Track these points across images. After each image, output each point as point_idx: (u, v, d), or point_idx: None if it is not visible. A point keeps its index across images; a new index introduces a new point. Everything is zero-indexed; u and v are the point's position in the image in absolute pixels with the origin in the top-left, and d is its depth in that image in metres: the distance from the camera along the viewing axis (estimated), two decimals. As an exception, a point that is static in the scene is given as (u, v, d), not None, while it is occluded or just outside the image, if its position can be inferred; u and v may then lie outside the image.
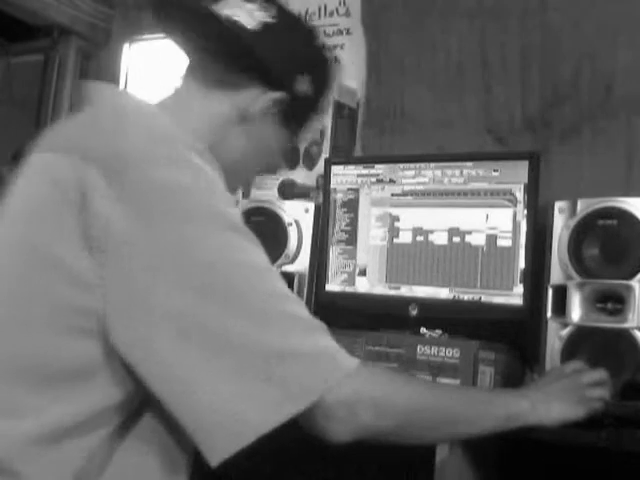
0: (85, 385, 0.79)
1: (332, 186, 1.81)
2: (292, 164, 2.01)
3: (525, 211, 1.58)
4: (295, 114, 1.04)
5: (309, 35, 1.05)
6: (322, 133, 1.98)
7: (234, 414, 0.76)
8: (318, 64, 1.05)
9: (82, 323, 0.78)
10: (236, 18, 0.95)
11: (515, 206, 1.59)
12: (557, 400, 1.02)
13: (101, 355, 0.78)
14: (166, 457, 0.83)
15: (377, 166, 1.77)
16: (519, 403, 1.00)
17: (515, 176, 1.59)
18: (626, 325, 1.37)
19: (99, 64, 2.53)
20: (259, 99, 0.99)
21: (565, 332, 1.43)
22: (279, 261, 1.78)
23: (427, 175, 1.71)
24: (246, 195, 2.03)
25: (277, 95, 1.00)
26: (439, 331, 1.60)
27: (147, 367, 0.77)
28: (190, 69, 1.02)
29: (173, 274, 0.76)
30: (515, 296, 1.57)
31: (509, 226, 1.59)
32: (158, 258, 0.76)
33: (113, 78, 2.39)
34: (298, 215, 1.81)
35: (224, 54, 0.98)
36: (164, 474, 0.83)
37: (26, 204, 0.84)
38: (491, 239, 1.61)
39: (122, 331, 0.76)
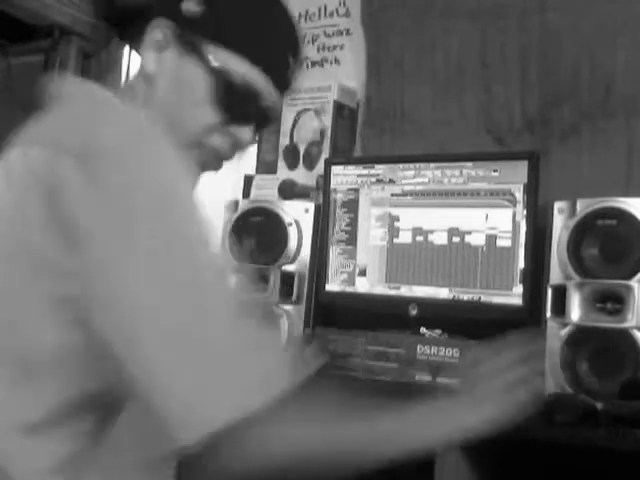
0: (65, 376, 0.80)
1: (332, 186, 1.82)
2: (292, 164, 2.01)
3: (525, 211, 1.58)
4: (195, 44, 0.91)
5: None
6: (322, 133, 1.98)
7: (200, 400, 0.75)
8: None
9: (63, 313, 0.78)
10: None
11: (515, 206, 1.59)
12: (486, 403, 0.94)
13: (82, 345, 0.79)
14: (146, 453, 0.83)
15: (377, 166, 1.78)
16: (449, 418, 0.92)
17: (515, 176, 1.60)
18: (625, 325, 1.37)
19: (100, 64, 2.53)
20: (148, 38, 0.92)
21: (564, 332, 1.44)
22: (279, 261, 1.78)
23: (427, 175, 1.71)
24: (246, 195, 2.04)
25: (158, 26, 0.91)
26: (439, 331, 1.61)
27: (123, 351, 0.77)
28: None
29: (143, 268, 0.76)
30: (515, 296, 1.58)
31: (509, 226, 1.60)
32: (128, 253, 0.76)
33: (114, 78, 2.39)
34: (298, 215, 1.81)
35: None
36: (145, 469, 0.83)
37: (4, 198, 0.84)
38: (491, 239, 1.62)
39: (103, 320, 0.77)
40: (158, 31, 0.92)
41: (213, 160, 0.96)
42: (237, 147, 0.97)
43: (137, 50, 0.94)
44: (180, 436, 0.74)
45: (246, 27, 0.93)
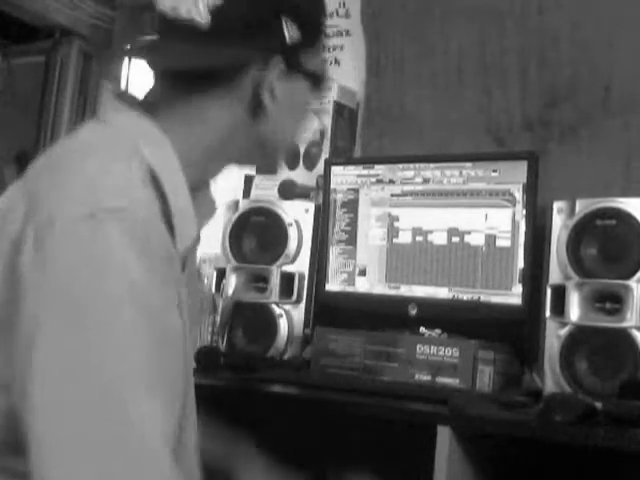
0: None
1: (332, 186, 1.82)
2: (292, 164, 2.02)
3: (524, 211, 1.58)
4: (300, 64, 0.92)
5: None
6: (322, 134, 1.99)
7: None
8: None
9: None
10: (186, 16, 0.87)
11: (514, 206, 1.60)
12: None
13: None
14: None
15: (377, 166, 1.78)
16: None
17: (514, 176, 1.60)
18: (624, 325, 1.38)
19: (100, 65, 2.53)
20: (267, 85, 0.90)
21: (564, 331, 1.44)
22: (279, 261, 1.78)
23: (426, 175, 1.71)
24: (246, 195, 2.04)
25: (272, 66, 0.90)
26: (438, 331, 1.61)
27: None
28: (168, 85, 0.92)
29: (55, 369, 0.71)
30: (514, 296, 1.58)
31: (508, 226, 1.60)
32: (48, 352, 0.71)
33: (114, 79, 2.40)
34: (298, 215, 1.81)
35: (194, 61, 0.89)
36: None
37: None
38: (490, 239, 1.62)
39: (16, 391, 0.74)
40: (275, 70, 0.90)
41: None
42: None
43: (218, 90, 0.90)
44: None
45: (321, 21, 0.97)
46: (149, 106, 0.91)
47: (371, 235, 1.77)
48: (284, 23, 0.89)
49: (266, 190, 1.99)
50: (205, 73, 0.89)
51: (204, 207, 0.98)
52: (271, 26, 0.89)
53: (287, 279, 1.77)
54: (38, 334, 0.72)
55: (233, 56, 0.88)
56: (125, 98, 0.94)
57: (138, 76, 2.37)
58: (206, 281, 1.88)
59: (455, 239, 1.66)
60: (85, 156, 0.83)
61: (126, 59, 2.41)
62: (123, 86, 2.37)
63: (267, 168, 1.04)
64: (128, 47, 1.05)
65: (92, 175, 0.79)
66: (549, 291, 1.47)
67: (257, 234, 1.84)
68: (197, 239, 1.00)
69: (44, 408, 0.71)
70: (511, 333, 1.62)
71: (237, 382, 1.58)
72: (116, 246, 0.74)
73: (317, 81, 0.96)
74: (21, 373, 0.72)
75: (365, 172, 1.79)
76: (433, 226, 1.69)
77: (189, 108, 0.90)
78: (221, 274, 1.83)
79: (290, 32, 0.90)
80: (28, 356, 0.72)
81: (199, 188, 0.96)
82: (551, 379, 1.44)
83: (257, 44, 0.89)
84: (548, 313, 1.47)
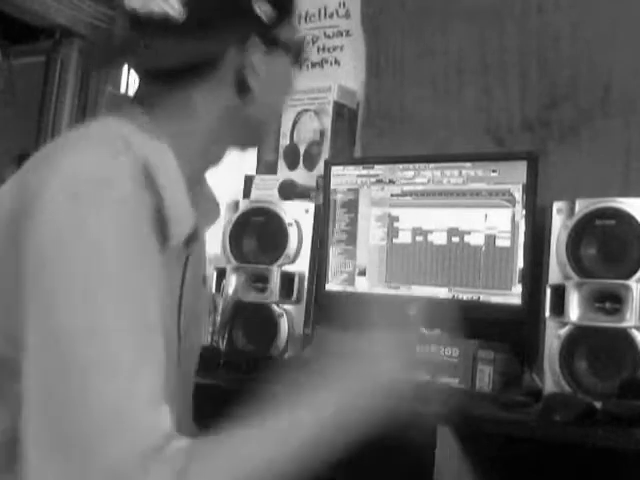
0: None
1: (332, 187, 1.82)
2: (292, 165, 2.02)
3: (524, 211, 1.58)
4: (277, 39, 0.93)
5: None
6: (322, 134, 1.99)
7: None
8: None
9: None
10: (158, 11, 0.86)
11: (514, 206, 1.60)
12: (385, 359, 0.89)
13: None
14: None
15: (377, 167, 1.78)
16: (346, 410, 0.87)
17: (514, 176, 1.60)
18: (624, 324, 1.38)
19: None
20: (247, 65, 0.91)
21: (563, 331, 1.44)
22: (279, 261, 1.79)
23: (426, 175, 1.72)
24: (246, 195, 2.04)
25: (250, 47, 0.91)
26: (438, 330, 1.61)
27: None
28: (153, 83, 0.92)
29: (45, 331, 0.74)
30: (514, 296, 1.58)
31: (508, 226, 1.60)
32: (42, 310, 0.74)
33: (114, 79, 2.40)
34: (298, 215, 1.82)
35: (172, 57, 0.89)
36: None
37: None
38: (490, 239, 1.62)
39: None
40: (254, 49, 0.91)
41: None
42: None
43: (203, 75, 0.91)
44: None
45: None
46: (141, 104, 0.92)
47: (371, 235, 1.77)
48: (256, 3, 0.90)
49: (266, 190, 2.00)
50: (188, 65, 0.89)
51: (205, 205, 0.98)
52: (244, 8, 0.90)
53: (287, 279, 1.78)
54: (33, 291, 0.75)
55: (212, 45, 0.88)
56: (121, 99, 0.94)
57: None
58: (206, 281, 1.88)
59: (455, 239, 1.66)
60: (75, 146, 0.84)
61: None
62: (123, 87, 2.38)
63: (259, 142, 1.06)
64: (101, 55, 1.05)
65: (79, 160, 0.81)
66: (549, 291, 1.47)
67: (257, 234, 1.84)
68: (202, 240, 1.00)
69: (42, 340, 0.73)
70: (511, 333, 1.62)
71: (237, 382, 1.58)
72: (97, 215, 0.76)
73: (296, 52, 0.97)
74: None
75: (365, 172, 1.79)
76: (433, 226, 1.69)
77: (177, 102, 0.91)
78: (221, 274, 1.83)
79: (263, 10, 0.91)
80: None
81: (198, 181, 0.97)
82: (551, 379, 1.44)
83: (233, 28, 0.89)
84: (548, 313, 1.47)
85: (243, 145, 1.01)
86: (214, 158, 0.97)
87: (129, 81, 2.41)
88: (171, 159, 0.88)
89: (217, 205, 1.02)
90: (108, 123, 0.89)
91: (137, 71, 0.95)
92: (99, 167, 0.79)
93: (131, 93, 0.96)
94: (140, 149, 0.84)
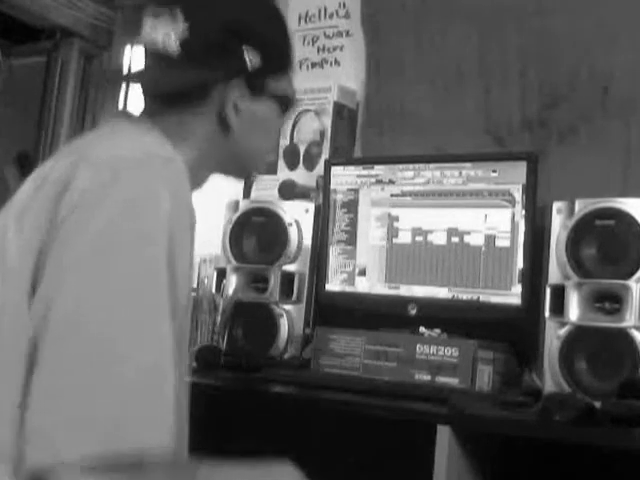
0: None
1: (332, 187, 1.82)
2: (292, 165, 2.02)
3: (523, 211, 1.59)
4: (263, 87, 1.04)
5: (223, 11, 1.03)
6: (322, 134, 1.99)
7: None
8: (249, 27, 1.03)
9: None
10: (158, 46, 1.01)
11: (513, 206, 1.60)
12: None
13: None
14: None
15: (377, 167, 1.78)
16: None
17: (513, 177, 1.60)
18: (623, 324, 1.38)
19: (101, 66, 2.54)
20: (230, 104, 1.02)
21: (563, 331, 1.44)
22: (279, 261, 1.79)
23: (426, 176, 1.72)
24: (246, 195, 2.04)
25: (233, 87, 1.01)
26: (438, 330, 1.61)
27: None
28: (152, 104, 1.04)
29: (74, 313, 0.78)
30: (513, 296, 1.58)
31: (507, 226, 1.60)
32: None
33: (115, 80, 2.40)
34: (298, 215, 1.82)
35: (169, 83, 1.02)
36: None
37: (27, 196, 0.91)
38: (490, 239, 1.62)
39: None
40: (237, 91, 1.02)
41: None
42: None
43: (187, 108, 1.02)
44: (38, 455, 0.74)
45: (285, 48, 1.08)
46: (146, 119, 1.03)
47: (371, 235, 1.77)
48: (245, 51, 1.01)
49: (266, 190, 2.00)
50: (179, 93, 1.01)
51: None
52: (231, 53, 1.01)
53: (287, 279, 1.78)
54: (73, 269, 0.80)
55: (198, 77, 1.01)
56: (125, 114, 1.06)
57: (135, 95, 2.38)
58: (206, 281, 1.88)
59: (455, 239, 1.66)
60: (131, 132, 0.97)
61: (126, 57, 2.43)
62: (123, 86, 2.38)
63: (240, 176, 1.19)
64: (124, 74, 1.17)
65: (138, 140, 0.94)
66: (548, 291, 1.48)
67: (257, 234, 1.84)
68: None
69: (71, 317, 0.78)
70: (510, 333, 1.62)
71: (237, 382, 1.59)
72: (159, 188, 0.84)
73: (283, 103, 1.08)
74: (54, 285, 0.79)
75: (365, 172, 1.80)
76: (433, 226, 1.69)
77: (170, 125, 1.01)
78: (221, 274, 1.83)
79: (251, 58, 1.02)
80: (62, 278, 0.80)
81: None
82: (550, 379, 1.44)
83: (219, 68, 1.01)
84: (547, 313, 1.47)
85: (228, 174, 1.11)
86: (199, 181, 1.05)
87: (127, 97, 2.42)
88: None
89: None
90: (133, 130, 0.99)
91: (143, 93, 1.07)
92: (162, 149, 0.93)
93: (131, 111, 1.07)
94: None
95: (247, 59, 1.01)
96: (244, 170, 1.15)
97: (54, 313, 0.78)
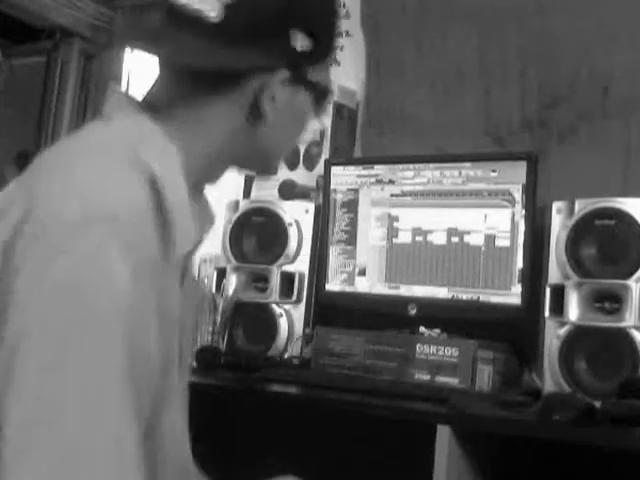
0: None
1: (332, 187, 1.83)
2: (292, 164, 2.02)
3: (523, 211, 1.59)
4: (306, 75, 0.91)
5: None
6: (322, 134, 1.99)
7: None
8: (305, 8, 0.89)
9: None
10: (197, 8, 0.84)
11: (513, 206, 1.60)
12: None
13: None
14: None
15: (376, 167, 1.78)
16: None
17: (513, 177, 1.61)
18: (623, 324, 1.38)
19: (101, 66, 2.54)
20: (269, 93, 0.88)
21: (563, 331, 1.44)
22: (279, 261, 1.79)
23: (426, 176, 1.72)
24: (246, 195, 2.04)
25: (277, 75, 0.88)
26: (438, 330, 1.61)
27: None
28: (170, 82, 0.90)
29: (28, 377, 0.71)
30: (513, 296, 1.58)
31: (507, 226, 1.60)
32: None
33: (115, 80, 2.40)
34: (298, 215, 1.82)
35: (200, 58, 0.86)
36: None
37: None
38: (489, 239, 1.62)
39: None
40: (280, 79, 0.88)
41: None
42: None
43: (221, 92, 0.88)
44: None
45: (334, 36, 0.95)
46: (151, 107, 0.89)
47: (371, 235, 1.77)
48: (295, 33, 0.87)
49: (266, 190, 2.00)
50: (209, 73, 0.87)
51: (203, 215, 0.97)
52: (281, 33, 0.87)
53: (287, 279, 1.78)
54: (24, 343, 0.72)
55: (238, 57, 0.85)
56: (129, 97, 0.93)
57: (139, 77, 2.38)
58: (206, 281, 1.88)
59: (454, 239, 1.66)
60: (83, 158, 0.82)
61: (126, 57, 2.42)
62: (124, 86, 2.38)
63: (263, 172, 1.04)
64: (130, 35, 1.03)
65: (88, 179, 0.78)
66: (548, 291, 1.48)
67: (257, 234, 1.84)
68: (197, 245, 1.00)
69: (24, 404, 0.70)
70: (510, 333, 1.62)
71: (237, 382, 1.59)
72: (107, 257, 0.74)
73: (320, 95, 0.94)
74: (3, 377, 0.72)
75: (365, 172, 1.80)
76: (433, 226, 1.69)
77: (190, 111, 0.88)
78: (221, 274, 1.83)
79: (301, 43, 0.88)
80: (12, 360, 0.71)
81: (197, 192, 0.96)
82: (550, 378, 1.44)
83: (265, 49, 0.86)
84: (547, 313, 1.48)
85: (245, 167, 1.00)
86: (214, 176, 0.95)
87: (129, 80, 2.42)
88: (177, 171, 0.87)
89: (213, 217, 1.00)
90: (119, 126, 0.87)
91: (160, 64, 0.92)
92: (109, 199, 0.77)
93: (137, 94, 0.94)
94: (149, 158, 0.83)
95: (297, 43, 0.88)
96: (267, 163, 0.99)
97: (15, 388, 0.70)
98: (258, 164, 0.98)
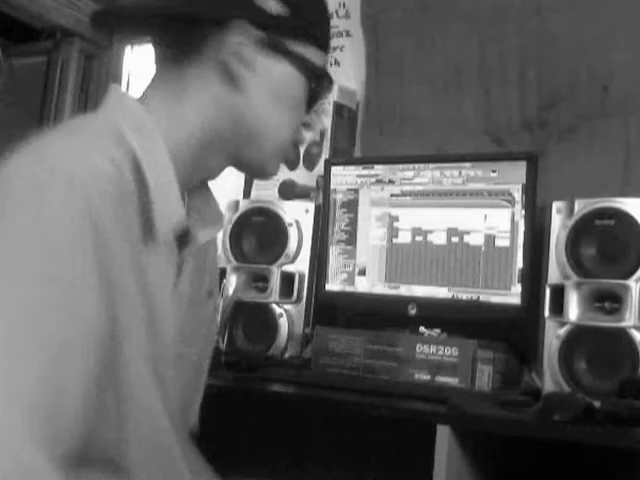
0: None
1: (332, 186, 1.83)
2: (292, 165, 2.02)
3: (523, 211, 1.59)
4: (285, 45, 0.88)
5: None
6: (322, 134, 1.99)
7: None
8: None
9: None
10: None
11: (513, 206, 1.60)
12: None
13: None
14: None
15: (376, 167, 1.78)
16: None
17: (513, 177, 1.61)
18: (623, 324, 1.38)
19: (101, 66, 2.54)
20: (230, 50, 0.86)
21: (562, 331, 1.44)
22: (279, 261, 1.79)
23: (426, 176, 1.72)
24: (246, 195, 2.05)
25: (234, 29, 0.85)
26: (438, 330, 1.61)
27: None
28: (156, 65, 0.91)
29: None
30: (513, 295, 1.58)
31: (507, 226, 1.61)
32: None
33: (115, 80, 2.40)
34: (298, 215, 1.82)
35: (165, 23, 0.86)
36: None
37: None
38: (489, 239, 1.62)
39: None
40: (240, 36, 0.86)
41: (292, 151, 0.98)
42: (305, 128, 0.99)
43: (189, 54, 0.88)
44: None
45: (318, 15, 0.93)
46: (140, 96, 0.91)
47: (371, 235, 1.77)
48: None
49: (266, 190, 2.00)
50: (171, 38, 0.87)
51: (208, 214, 0.96)
52: None
53: (287, 279, 1.78)
54: None
55: (191, 6, 0.85)
56: (126, 94, 0.94)
57: (140, 77, 2.38)
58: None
59: (454, 239, 1.66)
60: (64, 133, 0.84)
61: (126, 57, 2.42)
62: (124, 86, 2.38)
63: (261, 171, 0.98)
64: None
65: (61, 149, 0.80)
66: (548, 291, 1.48)
67: (257, 234, 1.84)
68: (206, 250, 0.98)
69: None
70: (510, 333, 1.62)
71: (237, 382, 1.59)
72: (67, 215, 0.74)
73: (310, 72, 0.91)
74: None
75: (365, 172, 1.80)
76: (433, 226, 1.69)
77: (167, 83, 0.89)
78: (221, 274, 1.83)
79: (272, 6, 0.86)
80: None
81: (199, 186, 0.95)
82: (550, 378, 1.44)
83: (224, 8, 0.85)
84: (547, 313, 1.48)
85: (241, 165, 0.96)
86: (211, 169, 0.93)
87: (129, 83, 2.42)
88: (163, 152, 0.86)
89: (220, 215, 0.99)
90: (107, 109, 0.88)
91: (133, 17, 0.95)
92: (73, 164, 0.77)
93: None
94: (133, 141, 0.83)
95: (266, 5, 0.86)
96: (260, 162, 0.94)
97: None
98: (253, 157, 0.93)
